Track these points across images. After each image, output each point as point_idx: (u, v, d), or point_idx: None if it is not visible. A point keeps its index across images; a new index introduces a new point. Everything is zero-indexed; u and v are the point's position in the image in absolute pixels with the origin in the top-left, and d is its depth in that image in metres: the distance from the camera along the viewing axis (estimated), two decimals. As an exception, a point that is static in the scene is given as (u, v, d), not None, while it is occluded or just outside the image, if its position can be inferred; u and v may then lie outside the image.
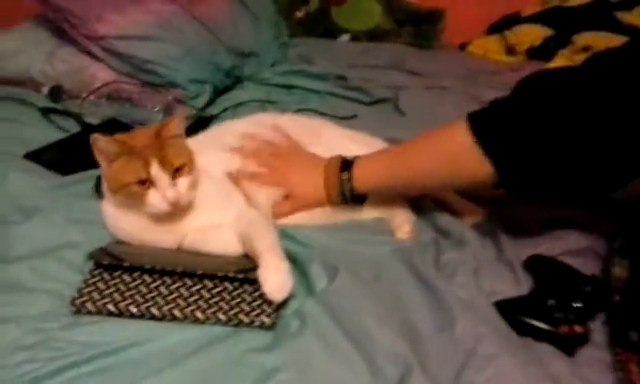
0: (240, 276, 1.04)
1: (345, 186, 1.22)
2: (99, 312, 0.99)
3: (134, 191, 1.05)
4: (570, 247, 1.23)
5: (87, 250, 1.12)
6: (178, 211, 1.08)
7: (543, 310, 1.04)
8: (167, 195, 1.04)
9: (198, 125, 1.74)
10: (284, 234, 1.18)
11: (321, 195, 1.25)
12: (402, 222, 1.29)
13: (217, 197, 1.18)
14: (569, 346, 1.00)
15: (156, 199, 1.05)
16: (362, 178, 1.21)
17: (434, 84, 2.06)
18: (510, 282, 1.14)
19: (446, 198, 1.37)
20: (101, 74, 1.87)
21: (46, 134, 1.62)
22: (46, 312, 0.99)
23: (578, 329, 1.01)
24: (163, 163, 1.04)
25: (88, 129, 1.69)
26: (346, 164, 1.22)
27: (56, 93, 1.85)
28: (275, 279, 0.98)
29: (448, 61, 2.37)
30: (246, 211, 1.20)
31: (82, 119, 1.74)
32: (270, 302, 1.01)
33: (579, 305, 1.04)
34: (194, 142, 1.29)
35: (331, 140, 1.41)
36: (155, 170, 1.03)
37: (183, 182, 1.07)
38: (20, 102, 1.78)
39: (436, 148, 1.19)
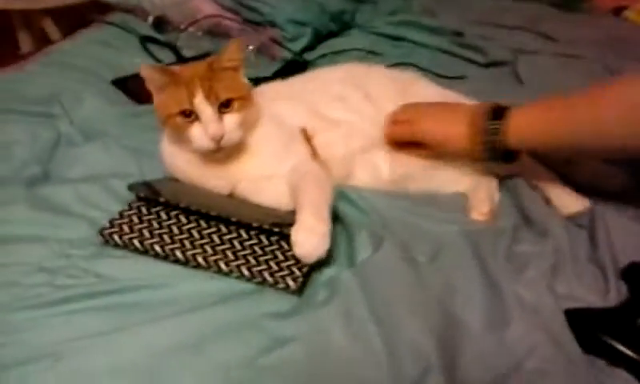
0: (276, 229, 0.97)
1: (494, 137, 1.06)
2: (125, 246, 0.96)
3: (178, 123, 0.99)
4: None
5: (137, 181, 1.09)
6: (224, 150, 1.02)
7: (630, 330, 0.86)
8: (209, 130, 0.97)
9: (291, 68, 1.67)
10: (342, 195, 1.09)
11: (459, 144, 1.10)
12: (482, 201, 1.14)
13: (277, 145, 1.10)
14: (649, 377, 0.81)
15: (198, 133, 0.99)
16: (516, 130, 1.04)
17: (565, 51, 1.80)
18: (597, 290, 0.95)
19: (545, 186, 1.19)
20: (205, 6, 1.84)
21: (139, 63, 1.60)
22: (78, 238, 0.98)
23: (666, 360, 0.81)
24: (209, 95, 0.97)
25: (181, 61, 1.68)
26: (497, 112, 1.06)
27: (160, 23, 1.86)
28: (307, 240, 0.90)
29: (592, 26, 2.05)
30: (305, 163, 1.10)
31: (178, 51, 1.72)
32: (301, 266, 0.93)
33: (677, 330, 0.84)
34: (277, 86, 1.27)
35: (421, 99, 1.25)
36: (199, 100, 0.97)
37: (230, 118, 1.00)
38: (124, 29, 1.81)
39: (618, 98, 0.97)
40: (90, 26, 1.87)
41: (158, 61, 1.69)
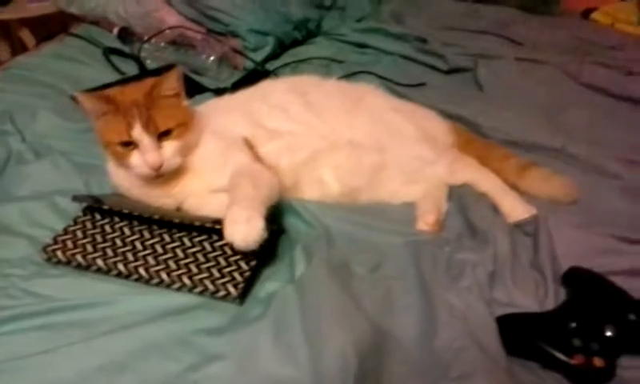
0: (217, 226, 0.97)
1: None
2: (68, 262, 0.98)
3: (118, 151, 1.01)
4: (634, 265, 1.03)
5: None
6: (162, 176, 1.03)
7: (560, 333, 0.88)
8: (148, 159, 0.99)
9: (252, 78, 1.67)
10: (288, 207, 1.11)
11: None
12: (428, 212, 1.15)
13: (218, 159, 1.10)
14: (579, 380, 0.84)
15: (137, 161, 1.00)
16: None
17: (528, 55, 1.82)
18: (535, 295, 0.97)
19: (494, 193, 1.21)
20: (169, 18, 1.87)
21: (101, 76, 1.64)
22: (19, 258, 1.00)
23: (597, 362, 0.83)
24: (147, 125, 0.98)
25: (144, 73, 1.69)
26: None
27: (124, 34, 1.87)
28: (236, 230, 0.90)
29: (558, 29, 2.08)
30: (244, 166, 1.08)
31: (141, 63, 1.74)
32: (242, 271, 0.95)
33: (611, 334, 0.86)
34: (220, 101, 1.28)
35: (375, 110, 1.28)
36: (138, 132, 0.98)
37: (169, 146, 1.01)
38: (88, 41, 1.82)
39: None
40: (54, 39, 1.88)
41: (121, 73, 1.71)
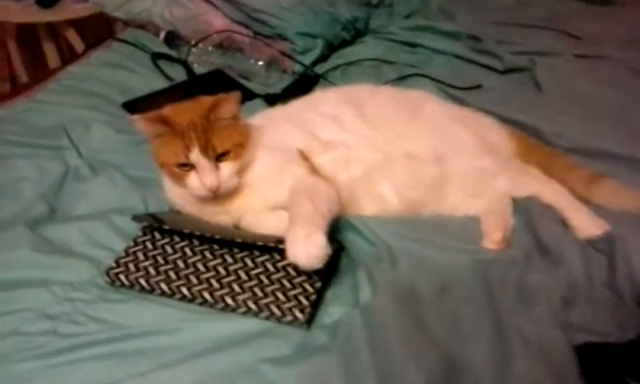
0: (280, 246, 0.96)
1: None
2: (131, 286, 0.99)
3: (175, 172, 1.02)
4: None
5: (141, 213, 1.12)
6: (220, 196, 1.03)
7: None
8: (206, 182, 0.99)
9: (302, 83, 1.67)
10: (347, 225, 1.09)
11: None
12: (494, 228, 1.11)
13: (274, 174, 1.09)
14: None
15: (195, 183, 1.01)
16: None
17: (588, 51, 1.74)
18: (614, 320, 0.93)
19: (563, 207, 1.15)
20: (216, 21, 1.86)
21: (150, 82, 1.65)
22: (82, 281, 1.01)
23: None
24: (205, 148, 0.98)
25: (193, 79, 1.69)
26: None
27: (171, 38, 1.88)
28: (298, 250, 0.90)
29: (619, 22, 1.97)
30: (302, 180, 1.07)
31: (189, 67, 1.74)
32: (308, 294, 0.94)
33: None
34: (273, 112, 1.27)
35: (433, 119, 1.25)
36: (196, 155, 0.98)
37: (227, 167, 1.01)
38: (135, 46, 1.83)
39: None
40: (101, 45, 1.89)
41: (170, 78, 1.71)
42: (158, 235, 1.06)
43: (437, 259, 1.04)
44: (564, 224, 1.12)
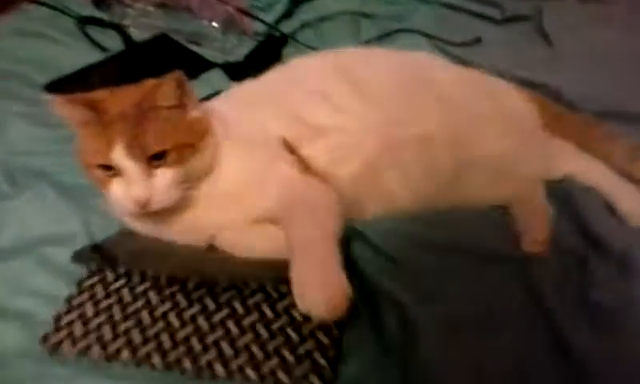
0: (282, 289, 0.76)
1: None
2: (81, 355, 0.72)
3: (98, 176, 0.76)
4: None
5: (83, 244, 0.85)
6: (151, 212, 0.77)
7: None
8: (131, 192, 0.73)
9: (267, 47, 1.41)
10: (356, 236, 0.87)
11: None
12: (535, 226, 0.91)
13: (254, 176, 0.86)
14: None
15: (118, 193, 0.75)
16: None
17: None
18: None
19: (608, 189, 0.98)
20: (155, -26, 1.53)
21: (78, 54, 1.34)
22: (15, 352, 0.74)
23: None
24: (132, 146, 0.72)
25: (131, 48, 1.42)
26: None
27: (101, -1, 1.54)
28: (313, 295, 0.70)
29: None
30: (291, 184, 0.85)
31: (125, 33, 1.45)
32: (324, 350, 0.71)
33: None
34: (242, 91, 1.01)
35: (445, 90, 1.00)
36: (118, 155, 0.72)
37: (163, 175, 0.75)
38: (55, 10, 1.50)
39: None
40: (11, 8, 1.53)
41: (103, 48, 1.41)
42: (110, 276, 0.80)
43: (469, 272, 0.85)
44: (612, 210, 0.95)
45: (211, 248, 0.85)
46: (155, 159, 0.74)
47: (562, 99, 1.16)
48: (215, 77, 1.30)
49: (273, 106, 0.95)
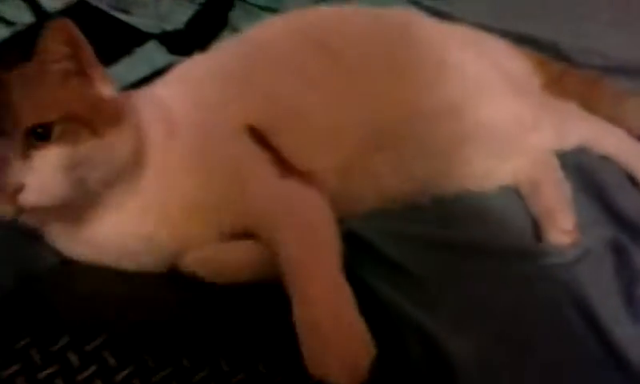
0: None
1: None
2: None
3: None
4: None
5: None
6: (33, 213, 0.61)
7: None
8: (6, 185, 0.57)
9: (211, 11, 1.26)
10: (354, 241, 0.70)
11: None
12: (561, 212, 0.80)
13: (218, 182, 0.70)
14: None
15: None
16: None
17: None
18: None
19: (623, 155, 0.89)
20: None
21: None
22: None
23: None
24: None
25: (43, 21, 1.20)
26: None
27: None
28: (330, 359, 0.55)
29: None
30: (270, 189, 0.71)
31: (35, 2, 1.26)
32: None
33: None
34: (195, 69, 0.84)
35: (434, 51, 0.89)
36: None
37: (44, 157, 0.59)
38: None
39: None
40: None
41: (9, 24, 1.21)
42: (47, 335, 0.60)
43: (496, 277, 0.72)
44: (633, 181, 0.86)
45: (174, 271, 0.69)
46: (38, 139, 0.58)
47: (559, 55, 1.06)
48: (151, 50, 1.14)
49: (232, 87, 0.79)
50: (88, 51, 0.64)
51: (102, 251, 0.68)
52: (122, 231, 0.67)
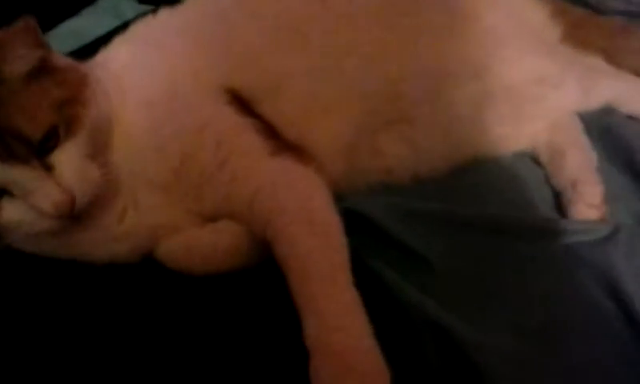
0: None
1: None
2: None
3: None
4: None
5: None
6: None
7: None
8: (44, 205, 0.54)
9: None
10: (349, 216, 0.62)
11: None
12: (588, 184, 0.73)
13: (195, 154, 0.63)
14: None
15: (27, 218, 0.55)
16: None
17: None
18: None
19: None
20: None
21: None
22: None
23: None
24: (8, 147, 0.53)
25: None
26: None
27: None
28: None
29: None
30: (256, 170, 0.62)
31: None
32: None
33: None
34: (159, 30, 0.74)
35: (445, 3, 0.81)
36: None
37: (66, 153, 0.56)
38: None
39: None
40: None
41: None
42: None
43: (520, 260, 0.66)
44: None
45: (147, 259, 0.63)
46: (44, 143, 0.55)
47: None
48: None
49: (206, 47, 0.70)
50: (41, 36, 0.59)
51: (87, 240, 0.62)
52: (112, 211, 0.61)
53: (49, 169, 0.55)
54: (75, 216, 0.57)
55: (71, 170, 0.56)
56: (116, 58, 0.67)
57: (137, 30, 0.73)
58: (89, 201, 0.58)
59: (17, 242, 0.59)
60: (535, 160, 0.79)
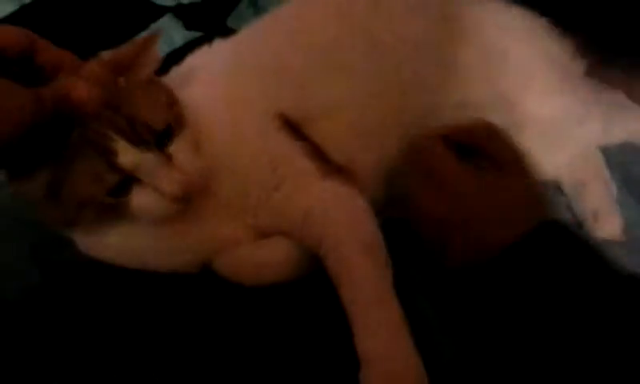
0: None
1: None
2: None
3: (102, 209, 0.60)
4: None
5: None
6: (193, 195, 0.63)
7: None
8: (168, 188, 0.59)
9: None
10: None
11: None
12: (606, 212, 0.79)
13: (251, 171, 0.68)
14: None
15: (151, 201, 0.60)
16: None
17: None
18: None
19: None
20: None
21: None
22: None
23: None
24: (136, 136, 0.58)
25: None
26: None
27: None
28: None
29: None
30: (310, 187, 0.68)
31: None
32: None
33: None
34: (217, 56, 0.80)
35: (480, 33, 0.84)
36: (129, 156, 0.57)
37: (181, 147, 0.62)
38: None
39: None
40: None
41: None
42: None
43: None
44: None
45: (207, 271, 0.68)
46: (162, 137, 0.61)
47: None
48: (168, 26, 1.08)
49: (263, 77, 0.74)
50: None
51: (130, 250, 0.67)
52: (154, 229, 0.66)
53: (169, 158, 0.60)
54: (189, 200, 0.62)
55: (187, 158, 0.62)
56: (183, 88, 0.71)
57: (196, 60, 0.78)
58: (200, 186, 0.63)
59: (90, 248, 0.66)
60: (558, 187, 0.85)
